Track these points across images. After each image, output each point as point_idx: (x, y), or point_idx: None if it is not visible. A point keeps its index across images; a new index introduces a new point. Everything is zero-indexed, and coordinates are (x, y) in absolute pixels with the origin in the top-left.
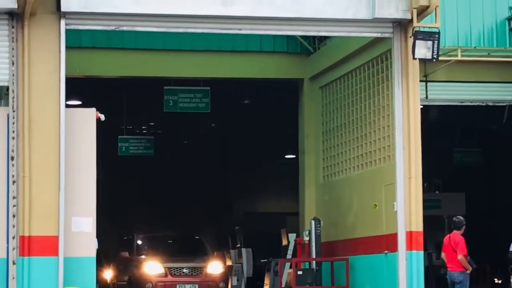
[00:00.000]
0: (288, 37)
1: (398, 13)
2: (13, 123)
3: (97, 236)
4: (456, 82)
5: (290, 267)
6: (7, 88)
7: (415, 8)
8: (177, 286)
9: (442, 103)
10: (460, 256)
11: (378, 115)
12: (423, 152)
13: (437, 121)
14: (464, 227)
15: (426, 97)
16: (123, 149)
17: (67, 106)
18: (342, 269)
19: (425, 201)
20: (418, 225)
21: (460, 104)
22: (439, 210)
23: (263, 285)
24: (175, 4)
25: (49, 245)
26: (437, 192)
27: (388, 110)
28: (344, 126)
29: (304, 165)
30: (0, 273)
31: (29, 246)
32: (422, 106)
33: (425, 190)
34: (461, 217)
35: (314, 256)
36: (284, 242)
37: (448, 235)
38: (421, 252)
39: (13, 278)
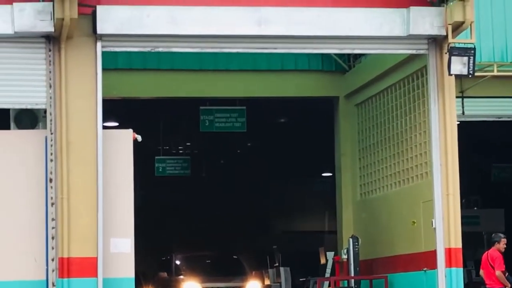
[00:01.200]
0: (323, 55)
1: (433, 30)
2: (51, 146)
3: (135, 257)
4: (493, 98)
5: (329, 286)
6: (45, 110)
7: (450, 24)
8: None
9: (479, 119)
10: (498, 272)
11: (414, 132)
12: (461, 169)
13: (474, 137)
14: (502, 242)
15: (463, 113)
16: (160, 170)
17: (104, 127)
18: (381, 287)
19: (463, 217)
20: (457, 242)
21: (497, 119)
22: (477, 226)
23: None
24: (210, 24)
25: (88, 267)
26: (475, 208)
27: (424, 127)
28: (381, 144)
29: (341, 183)
30: None
31: (68, 267)
32: (458, 122)
33: (463, 207)
34: (500, 234)
35: (352, 275)
36: (322, 261)
37: (486, 252)
38: (461, 269)
39: None
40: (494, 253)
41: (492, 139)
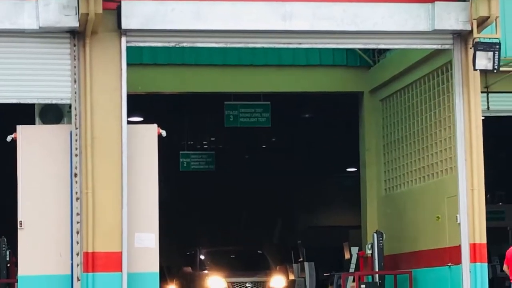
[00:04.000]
0: (348, 50)
1: (458, 25)
2: (76, 140)
3: (160, 252)
4: None
5: (353, 281)
6: (70, 105)
7: (475, 19)
8: None
9: (504, 114)
10: None
11: (439, 127)
12: (485, 163)
13: (499, 132)
14: None
15: (488, 108)
16: (185, 165)
17: (129, 122)
18: (405, 282)
19: (488, 212)
20: (481, 237)
21: None
22: (502, 221)
23: None
24: (234, 19)
25: (112, 261)
26: (500, 203)
27: (449, 121)
28: (405, 139)
29: (365, 178)
30: None
31: (93, 262)
32: (483, 117)
33: (488, 202)
34: None
35: (377, 270)
36: (347, 256)
37: (511, 247)
38: (485, 264)
39: None
40: None
41: None
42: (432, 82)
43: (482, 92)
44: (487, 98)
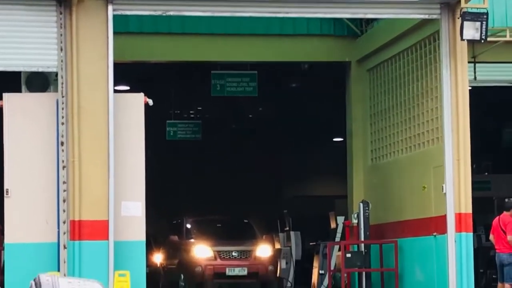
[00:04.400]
0: (335, 20)
1: None
2: (62, 109)
3: (147, 220)
4: (505, 63)
5: (339, 250)
6: (56, 74)
7: None
8: (226, 269)
9: (491, 84)
10: (510, 237)
11: (426, 97)
12: (472, 134)
13: (485, 102)
14: None
15: (475, 78)
16: (171, 134)
17: (116, 91)
18: (391, 251)
19: (474, 182)
20: (467, 207)
21: (510, 84)
22: (488, 191)
23: (312, 268)
24: None
25: (99, 230)
26: (486, 173)
27: (436, 92)
28: (392, 109)
29: (352, 148)
30: (52, 257)
31: (79, 230)
32: (470, 88)
33: (474, 172)
34: None
35: (362, 239)
36: (333, 225)
37: (498, 217)
38: (471, 234)
39: (64, 262)
40: (507, 218)
41: (504, 104)
42: (419, 52)
43: (469, 62)
44: (474, 68)
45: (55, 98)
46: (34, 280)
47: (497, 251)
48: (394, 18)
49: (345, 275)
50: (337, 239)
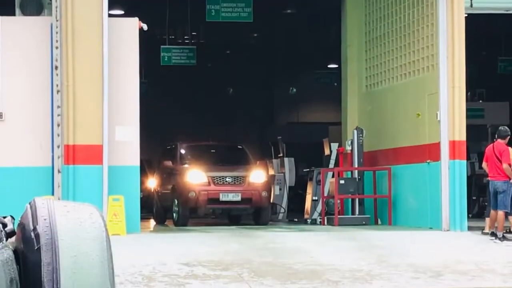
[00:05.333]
0: None
1: None
2: (57, 33)
3: (140, 145)
4: None
5: (332, 176)
6: None
7: None
8: (220, 194)
9: (487, 11)
10: (505, 165)
11: (421, 24)
12: (467, 61)
13: (481, 30)
14: (508, 137)
15: (471, 5)
16: (166, 59)
17: (110, 15)
18: (384, 178)
19: (468, 110)
20: (461, 135)
21: (505, 12)
22: (482, 119)
23: (305, 194)
24: None
25: (93, 154)
26: (480, 101)
27: (432, 19)
28: (388, 36)
29: (347, 74)
30: (46, 181)
31: (73, 154)
32: (466, 15)
33: (468, 100)
34: (506, 127)
35: (356, 165)
36: (327, 152)
37: (492, 144)
38: (464, 161)
39: (59, 186)
40: (502, 146)
41: (499, 32)
42: None
43: None
44: None
45: (49, 22)
46: (30, 203)
47: (490, 178)
48: None
49: (338, 201)
50: (331, 165)
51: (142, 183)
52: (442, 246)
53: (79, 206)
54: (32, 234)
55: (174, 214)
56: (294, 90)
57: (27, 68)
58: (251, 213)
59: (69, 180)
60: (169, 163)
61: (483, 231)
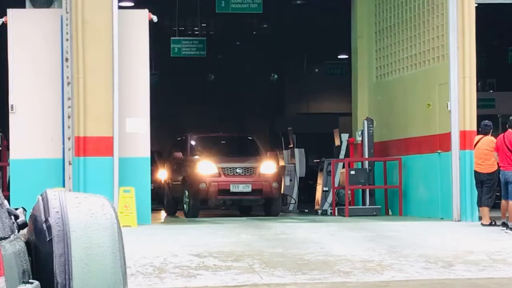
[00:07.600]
0: None
1: None
2: (67, 25)
3: (151, 137)
4: None
5: (343, 167)
6: None
7: None
8: (231, 186)
9: (497, 1)
10: None
11: (432, 14)
12: (477, 51)
13: (492, 20)
14: None
15: None
16: (176, 50)
17: (120, 7)
18: (395, 169)
19: (479, 100)
20: (471, 125)
21: None
22: (492, 109)
23: (315, 185)
24: None
25: (104, 146)
26: (491, 91)
27: (442, 8)
28: (398, 26)
29: (357, 65)
30: (57, 173)
31: (84, 146)
32: (476, 5)
33: (479, 89)
34: None
35: (366, 156)
36: (337, 142)
37: (502, 134)
38: None
39: (69, 178)
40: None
41: (510, 22)
42: None
43: None
44: None
45: (59, 14)
46: (41, 195)
47: (502, 168)
48: None
49: (349, 192)
50: (341, 156)
51: (152, 174)
52: (453, 236)
53: (91, 197)
54: (44, 226)
55: (185, 206)
56: (304, 80)
57: (37, 61)
58: (261, 204)
59: (80, 172)
60: (179, 155)
61: (482, 222)
